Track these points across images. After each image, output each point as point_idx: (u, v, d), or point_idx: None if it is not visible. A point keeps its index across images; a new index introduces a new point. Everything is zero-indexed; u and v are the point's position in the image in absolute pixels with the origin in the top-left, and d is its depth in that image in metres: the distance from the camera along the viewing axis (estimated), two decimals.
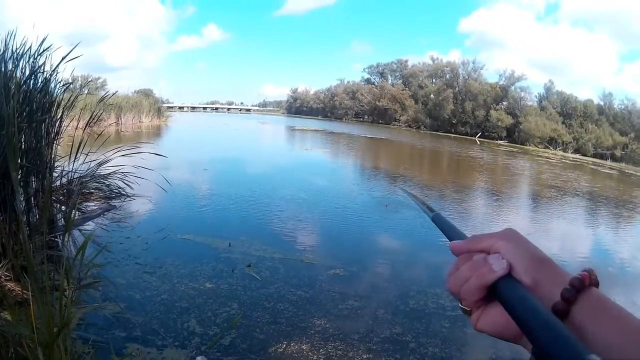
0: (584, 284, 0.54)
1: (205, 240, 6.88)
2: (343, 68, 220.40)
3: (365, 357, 4.07)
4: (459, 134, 67.06)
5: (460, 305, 0.63)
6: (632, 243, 10.41)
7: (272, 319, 4.54)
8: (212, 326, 4.26)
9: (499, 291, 0.57)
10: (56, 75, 6.28)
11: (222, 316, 4.49)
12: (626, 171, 40.66)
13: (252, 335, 4.19)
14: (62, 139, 6.95)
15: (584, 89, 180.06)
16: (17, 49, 5.71)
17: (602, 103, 64.17)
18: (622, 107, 62.34)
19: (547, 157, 42.84)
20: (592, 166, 39.83)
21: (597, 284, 0.57)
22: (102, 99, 8.98)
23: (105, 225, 7.29)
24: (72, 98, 7.03)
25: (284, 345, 4.07)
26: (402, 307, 5.21)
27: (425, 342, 4.44)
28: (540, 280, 0.57)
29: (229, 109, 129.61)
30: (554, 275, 0.57)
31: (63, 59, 6.12)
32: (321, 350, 4.08)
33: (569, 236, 10.62)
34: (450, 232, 0.77)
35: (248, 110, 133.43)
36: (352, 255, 7.03)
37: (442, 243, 7.74)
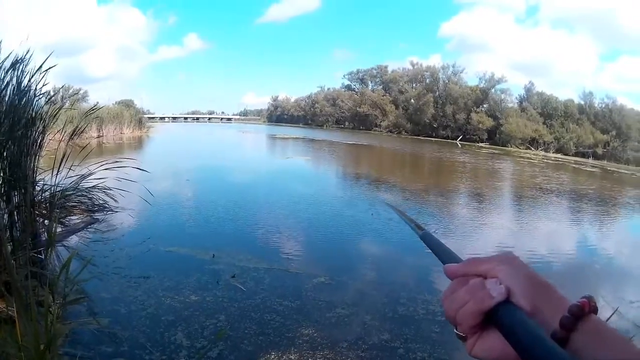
0: (583, 311, 0.54)
1: (189, 252, 6.86)
2: (324, 75, 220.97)
3: None
4: (440, 138, 67.66)
5: (455, 330, 0.62)
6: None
7: (259, 330, 4.53)
8: (199, 339, 4.24)
9: (498, 317, 0.56)
10: (38, 86, 6.25)
11: (209, 328, 4.47)
12: (608, 169, 41.61)
13: (239, 347, 4.17)
14: (44, 152, 6.91)
15: (565, 89, 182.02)
16: None
17: (582, 102, 65.19)
18: (603, 105, 63.33)
19: (529, 158, 43.44)
20: (574, 165, 40.68)
21: (596, 311, 0.56)
22: (87, 113, 8.99)
23: (89, 238, 7.24)
24: (54, 111, 6.99)
25: (272, 356, 4.07)
26: (390, 313, 5.22)
27: (414, 347, 4.46)
28: (539, 307, 0.56)
29: (210, 119, 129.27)
30: (554, 301, 0.57)
31: (40, 67, 6.08)
32: (310, 359, 4.08)
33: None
34: (441, 252, 0.76)
35: (229, 119, 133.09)
36: (337, 263, 7.04)
37: (429, 251, 7.80)
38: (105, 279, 5.53)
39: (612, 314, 3.67)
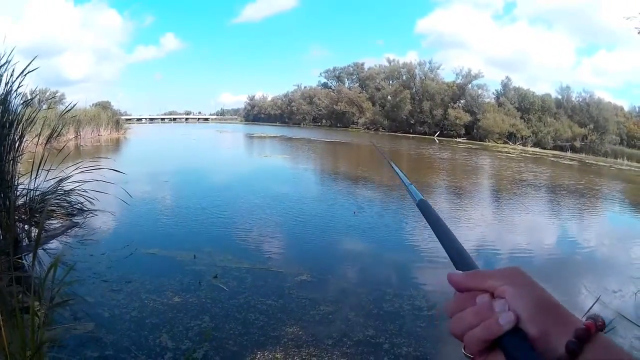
0: (589, 333, 0.53)
1: (169, 254, 6.83)
2: (300, 74, 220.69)
3: None
4: (418, 134, 67.91)
5: (463, 351, 0.61)
6: None
7: (244, 330, 4.54)
8: (184, 340, 4.24)
9: (505, 346, 0.56)
10: (16, 90, 6.21)
11: (194, 330, 4.47)
12: (587, 161, 42.73)
13: (225, 347, 4.19)
14: (22, 156, 6.86)
15: (542, 84, 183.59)
16: None
17: (560, 96, 66.23)
18: (580, 99, 64.59)
19: (507, 152, 44.08)
20: (552, 159, 41.33)
21: (603, 329, 0.56)
22: (63, 113, 8.93)
23: (69, 243, 7.17)
24: (32, 114, 6.94)
25: (258, 355, 4.09)
26: (374, 310, 5.27)
27: (399, 342, 4.51)
28: (547, 331, 0.55)
29: (187, 119, 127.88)
30: (562, 323, 0.56)
31: (22, 72, 6.06)
32: (295, 357, 4.12)
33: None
34: (435, 224, 0.77)
35: (206, 119, 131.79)
36: (319, 261, 7.06)
37: (413, 246, 7.91)
38: (87, 284, 5.49)
39: (595, 302, 3.76)
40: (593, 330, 0.53)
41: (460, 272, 0.66)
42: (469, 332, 0.59)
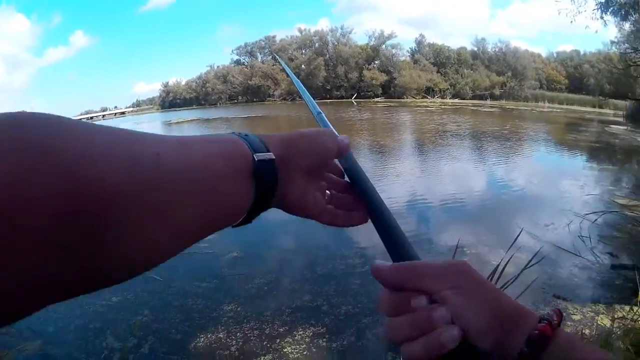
0: (544, 337, 0.47)
1: None
2: (213, 54, 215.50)
3: (281, 330, 4.29)
4: (335, 99, 67.90)
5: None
6: None
7: (184, 317, 4.65)
8: (129, 338, 4.30)
9: None
10: None
11: (136, 325, 4.55)
12: (507, 107, 44.73)
13: (168, 337, 4.30)
14: None
15: (458, 39, 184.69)
16: None
17: (475, 49, 68.26)
18: (497, 49, 66.90)
19: (426, 106, 44.95)
20: (472, 108, 42.65)
21: (560, 324, 0.50)
22: None
23: None
24: None
25: (201, 338, 4.24)
26: (309, 274, 5.47)
27: (337, 302, 4.73)
28: (500, 341, 0.48)
29: (104, 116, 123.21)
30: (517, 329, 0.49)
31: None
32: (238, 333, 4.26)
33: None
34: (357, 178, 0.72)
35: (123, 113, 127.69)
36: (247, 236, 7.05)
37: None
38: None
39: (518, 235, 4.02)
40: (548, 332, 0.47)
41: (389, 264, 0.56)
42: (405, 345, 0.51)
